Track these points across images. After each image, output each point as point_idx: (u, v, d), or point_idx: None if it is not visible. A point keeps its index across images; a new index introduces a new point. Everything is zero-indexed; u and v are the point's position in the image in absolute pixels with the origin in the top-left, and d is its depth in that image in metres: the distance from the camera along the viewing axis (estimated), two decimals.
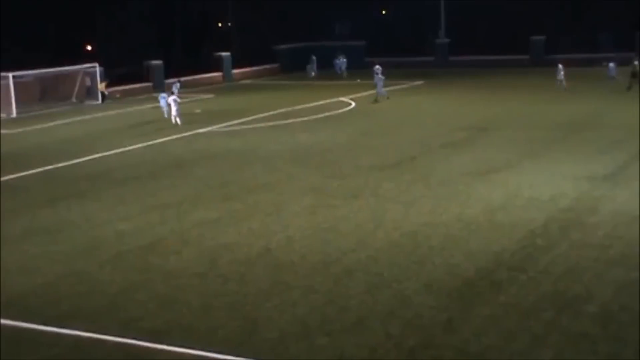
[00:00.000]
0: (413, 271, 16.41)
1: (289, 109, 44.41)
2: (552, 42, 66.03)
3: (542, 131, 33.27)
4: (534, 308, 14.15)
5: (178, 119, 39.08)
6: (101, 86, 52.97)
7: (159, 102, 43.58)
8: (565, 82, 47.41)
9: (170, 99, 39.77)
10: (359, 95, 50.10)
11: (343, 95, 49.68)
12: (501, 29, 70.66)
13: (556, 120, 36.40)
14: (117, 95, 53.67)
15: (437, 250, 17.78)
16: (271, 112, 43.00)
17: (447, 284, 15.56)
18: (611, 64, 49.86)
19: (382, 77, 47.67)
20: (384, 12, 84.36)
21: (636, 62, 47.63)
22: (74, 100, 52.47)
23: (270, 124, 39.24)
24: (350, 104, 46.06)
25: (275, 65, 69.25)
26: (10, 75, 47.55)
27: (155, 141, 34.95)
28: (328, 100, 47.65)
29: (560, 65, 48.76)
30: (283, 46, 71.74)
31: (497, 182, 24.12)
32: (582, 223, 19.46)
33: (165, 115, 42.29)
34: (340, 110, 43.54)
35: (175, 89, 49.96)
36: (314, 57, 67.30)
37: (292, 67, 66.31)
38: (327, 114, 42.11)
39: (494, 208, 21.06)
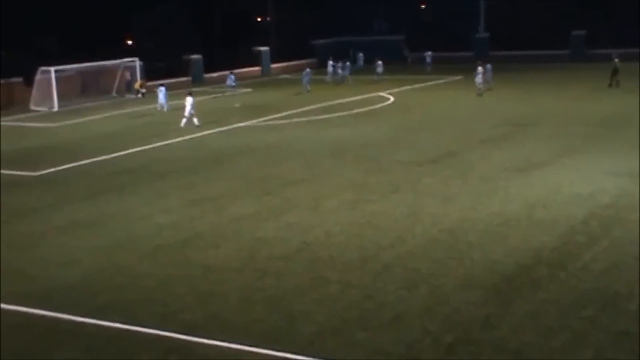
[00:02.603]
0: (451, 267, 16.32)
1: (327, 103, 44.40)
2: (592, 37, 65.20)
3: (582, 127, 32.89)
4: (573, 305, 13.99)
5: (189, 120, 37.70)
6: (137, 84, 53.42)
7: (158, 94, 44.32)
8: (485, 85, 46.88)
9: (188, 100, 38.09)
10: (397, 90, 49.94)
11: (382, 90, 49.55)
12: (542, 23, 69.95)
13: (596, 116, 35.99)
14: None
15: (475, 246, 17.66)
16: (309, 107, 43.03)
17: (486, 280, 15.45)
18: None
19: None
20: (423, 6, 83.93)
21: (616, 59, 47.22)
22: (114, 94, 53.00)
23: (309, 118, 39.26)
24: (388, 99, 45.92)
25: (313, 60, 69.26)
26: (52, 69, 48.13)
27: (194, 135, 35.15)
28: (366, 95, 47.56)
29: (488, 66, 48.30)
30: (321, 41, 71.75)
31: (536, 178, 23.89)
32: (623, 220, 19.20)
33: (159, 109, 43.03)
34: (379, 105, 43.43)
35: (230, 81, 50.66)
36: (361, 54, 67.14)
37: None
38: (365, 108, 42.04)
39: (534, 204, 20.86)
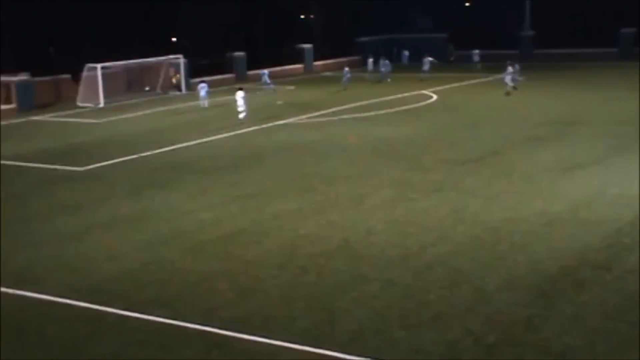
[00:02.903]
0: (494, 267, 16.20)
1: (370, 101, 44.32)
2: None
3: (630, 126, 32.34)
4: (619, 308, 13.80)
5: (242, 115, 38.14)
6: (175, 78, 54.08)
7: (199, 91, 44.78)
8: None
9: (239, 94, 38.65)
10: (441, 88, 49.69)
11: (424, 88, 49.34)
12: (589, 21, 68.99)
13: None
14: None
15: (518, 246, 17.51)
16: (352, 105, 42.99)
17: (529, 281, 15.31)
18: None
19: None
20: (467, 4, 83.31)
21: None
22: (158, 90, 53.49)
23: (351, 116, 39.23)
24: (431, 97, 45.70)
25: (356, 58, 69.17)
26: (98, 66, 48.73)
27: (236, 132, 35.33)
28: (409, 93, 47.38)
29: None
30: (364, 38, 71.63)
31: (582, 178, 23.60)
32: None
33: (201, 106, 43.44)
34: (422, 103, 43.25)
35: (265, 78, 51.11)
36: (406, 52, 66.82)
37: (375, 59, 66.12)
38: (408, 106, 41.89)
39: (579, 205, 20.61)
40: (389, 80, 55.31)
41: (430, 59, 56.42)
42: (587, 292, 14.62)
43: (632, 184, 22.48)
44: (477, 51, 62.23)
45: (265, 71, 53.38)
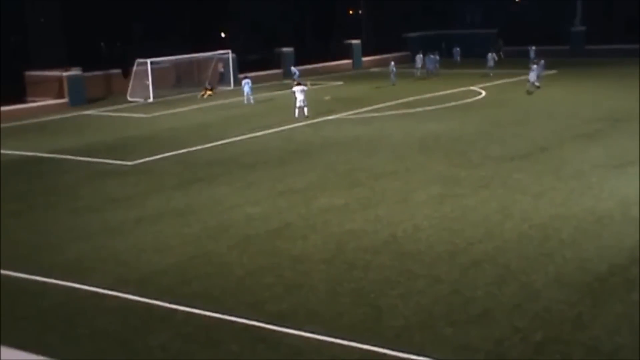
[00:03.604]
0: (542, 264, 16.03)
1: (418, 97, 44.12)
2: None
3: None
4: None
5: (305, 110, 37.49)
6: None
7: (243, 87, 44.91)
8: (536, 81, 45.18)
9: (297, 89, 38.02)
10: (489, 84, 49.27)
11: (473, 85, 48.96)
12: None
13: None
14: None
15: (567, 243, 17.30)
16: (400, 100, 42.84)
17: (578, 279, 15.12)
18: None
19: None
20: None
21: None
22: (207, 85, 53.86)
23: (399, 112, 39.09)
24: (480, 93, 45.33)
25: (405, 53, 68.87)
26: (148, 61, 49.26)
27: (284, 127, 35.43)
28: (458, 89, 47.04)
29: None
30: (413, 34, 71.29)
31: (633, 175, 23.20)
32: None
33: (245, 102, 43.71)
34: (470, 99, 42.92)
35: (296, 76, 51.37)
36: (457, 49, 66.15)
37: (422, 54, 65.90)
38: (456, 102, 41.61)
39: (629, 202, 20.28)
40: (436, 75, 54.90)
41: (491, 55, 55.67)
42: (638, 291, 14.38)
43: None
44: (533, 47, 60.78)
45: (295, 69, 53.92)
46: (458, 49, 66.28)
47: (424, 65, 56.97)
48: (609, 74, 53.05)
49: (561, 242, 17.39)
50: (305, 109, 37.64)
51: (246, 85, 44.87)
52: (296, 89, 38.13)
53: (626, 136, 29.67)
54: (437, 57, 57.63)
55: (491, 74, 53.49)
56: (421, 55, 57.67)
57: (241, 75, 48.50)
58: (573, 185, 22.37)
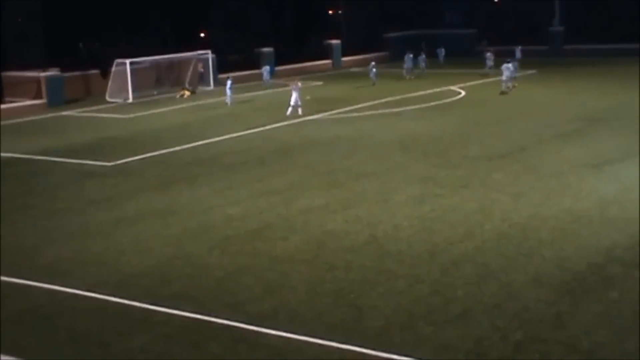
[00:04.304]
0: (521, 264, 16.13)
1: (398, 97, 44.20)
2: None
3: None
4: None
5: (299, 110, 37.79)
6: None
7: (227, 87, 44.76)
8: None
9: (293, 89, 38.26)
10: (469, 84, 49.46)
11: (453, 84, 49.13)
12: (620, 16, 68.24)
13: None
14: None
15: (546, 243, 17.41)
16: (379, 100, 42.91)
17: (557, 278, 15.23)
18: None
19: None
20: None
21: None
22: (186, 86, 53.66)
23: (379, 112, 39.16)
24: (460, 93, 45.50)
25: (384, 53, 68.99)
26: (127, 61, 49.02)
27: (264, 127, 35.40)
28: (437, 89, 47.19)
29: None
30: (392, 34, 71.42)
31: (610, 175, 23.40)
32: None
33: (227, 103, 43.61)
34: (450, 99, 43.08)
35: (266, 74, 51.62)
36: (442, 49, 65.98)
37: (402, 55, 66.05)
38: (436, 102, 41.74)
39: (607, 201, 20.45)
40: (411, 76, 54.79)
41: (489, 54, 55.27)
42: (616, 290, 14.52)
43: None
44: (519, 47, 60.56)
45: (268, 67, 54.24)
46: (442, 49, 66.38)
47: (416, 65, 56.60)
48: (587, 73, 53.42)
49: (540, 242, 17.50)
50: (299, 109, 37.86)
51: (229, 86, 44.68)
52: (293, 87, 38.37)
53: (604, 136, 29.91)
54: (424, 57, 57.69)
55: (486, 73, 53.08)
56: (411, 55, 57.22)
57: (225, 76, 48.37)
58: (552, 185, 22.51)
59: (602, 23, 68.13)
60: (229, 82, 44.69)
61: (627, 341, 12.36)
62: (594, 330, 12.83)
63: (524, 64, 54.12)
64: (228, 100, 44.27)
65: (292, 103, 38.00)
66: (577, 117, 34.48)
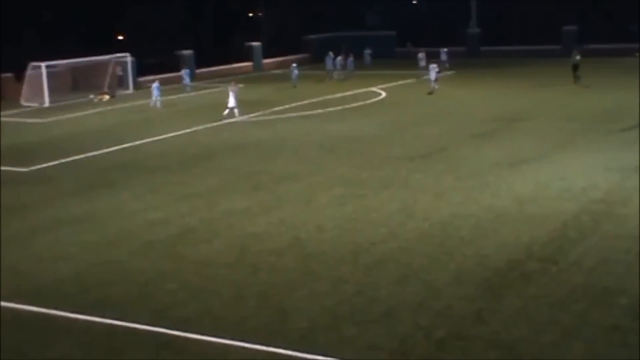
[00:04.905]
0: (443, 262, 16.35)
1: (319, 99, 44.36)
2: (585, 33, 65.21)
3: (573, 122, 32.94)
4: (565, 300, 14.04)
5: (236, 112, 37.90)
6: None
7: (152, 90, 44.30)
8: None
9: (231, 90, 38.37)
10: (389, 85, 49.95)
11: (373, 86, 49.54)
12: (534, 19, 69.98)
13: (587, 110, 36.06)
14: (149, 85, 54.01)
15: (467, 241, 17.70)
16: (301, 102, 42.98)
17: (477, 275, 15.49)
18: None
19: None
20: (414, 1, 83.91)
21: (577, 56, 47.31)
22: (105, 89, 52.80)
23: (300, 114, 39.22)
24: (380, 94, 45.91)
25: (305, 55, 69.17)
26: (43, 65, 47.95)
27: (185, 130, 35.08)
28: (358, 91, 47.52)
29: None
30: (313, 36, 71.66)
31: (527, 173, 23.94)
32: (614, 214, 19.28)
33: (152, 105, 43.26)
34: (371, 101, 43.43)
35: (187, 78, 51.37)
36: (369, 50, 65.76)
37: (322, 57, 66.33)
38: (357, 104, 42.02)
39: (525, 199, 20.91)
40: (334, 79, 55.00)
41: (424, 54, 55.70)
42: (534, 285, 14.85)
43: (576, 178, 22.89)
44: (445, 49, 61.27)
45: (188, 70, 54.14)
46: (369, 50, 66.78)
47: (343, 66, 56.67)
48: (504, 74, 54.55)
49: (461, 240, 17.79)
50: (236, 110, 37.84)
51: (156, 89, 44.00)
52: (231, 89, 38.35)
53: (521, 135, 30.59)
54: (351, 59, 57.93)
55: (423, 75, 53.30)
56: (339, 58, 57.21)
57: (145, 79, 47.78)
58: (471, 184, 22.90)
59: (516, 25, 69.74)
60: (155, 85, 44.10)
61: (545, 334, 12.65)
62: (513, 325, 13.09)
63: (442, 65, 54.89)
64: (156, 103, 43.70)
65: (229, 105, 38.02)
66: (495, 118, 35.18)
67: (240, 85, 39.32)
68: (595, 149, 27.13)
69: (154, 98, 43.84)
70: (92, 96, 48.77)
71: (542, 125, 32.57)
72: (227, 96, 37.83)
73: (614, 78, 47.84)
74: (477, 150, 27.94)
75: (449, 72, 54.97)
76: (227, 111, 37.92)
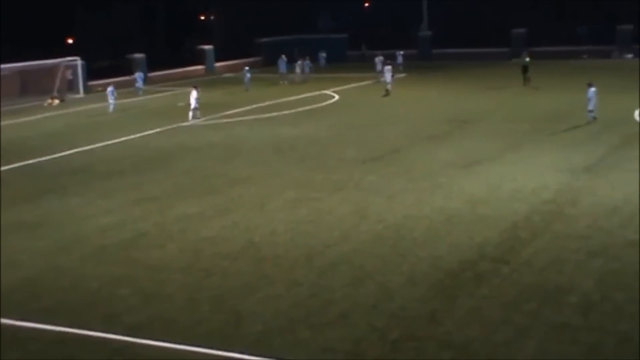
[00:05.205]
0: (396, 264, 16.43)
1: (272, 102, 44.35)
2: (534, 35, 66.19)
3: (524, 123, 33.40)
4: (516, 300, 14.21)
5: (197, 113, 38.65)
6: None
7: (107, 95, 43.92)
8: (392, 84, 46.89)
9: (193, 94, 38.70)
10: (342, 88, 50.11)
11: (327, 89, 49.66)
12: (484, 22, 70.83)
13: (537, 112, 36.58)
14: (99, 89, 53.50)
15: (420, 242, 17.82)
16: (254, 105, 42.92)
17: (431, 276, 15.60)
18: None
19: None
20: (366, 4, 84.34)
21: (527, 58, 48.25)
22: (55, 93, 52.12)
23: (253, 117, 39.16)
24: (333, 97, 46.04)
25: (258, 58, 69.11)
26: None
27: (137, 134, 34.80)
28: (312, 94, 47.60)
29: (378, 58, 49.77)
30: (265, 39, 71.62)
31: (479, 175, 24.20)
32: (564, 214, 19.58)
33: (110, 110, 42.86)
34: (324, 103, 43.53)
35: (140, 81, 51.09)
36: (323, 53, 65.65)
37: (275, 60, 66.34)
38: (310, 107, 42.09)
39: (477, 200, 21.12)
40: (294, 81, 55.00)
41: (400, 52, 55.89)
42: (486, 285, 15.01)
43: (526, 179, 23.19)
44: (401, 52, 61.66)
45: (141, 73, 54.14)
46: (324, 54, 66.94)
47: (302, 70, 56.63)
48: (456, 77, 55.10)
49: (414, 242, 17.90)
50: (198, 112, 38.50)
51: (110, 92, 43.53)
52: (192, 93, 38.80)
53: (472, 137, 30.91)
54: (308, 62, 57.91)
55: (380, 77, 53.29)
56: (299, 62, 57.12)
57: (96, 83, 47.30)
58: (424, 186, 23.07)
59: (466, 28, 70.53)
60: (110, 89, 43.62)
61: (497, 334, 12.79)
62: (466, 325, 13.22)
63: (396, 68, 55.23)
64: (110, 107, 43.23)
65: (192, 107, 38.67)
66: (447, 120, 35.50)
67: (197, 89, 39.12)
68: (546, 149, 27.54)
69: (110, 102, 43.33)
70: (47, 102, 48.11)
71: (493, 127, 32.96)
72: (186, 99, 37.97)
73: (562, 80, 48.62)
74: (430, 152, 28.16)
75: (401, 75, 55.33)
76: (191, 114, 38.37)
